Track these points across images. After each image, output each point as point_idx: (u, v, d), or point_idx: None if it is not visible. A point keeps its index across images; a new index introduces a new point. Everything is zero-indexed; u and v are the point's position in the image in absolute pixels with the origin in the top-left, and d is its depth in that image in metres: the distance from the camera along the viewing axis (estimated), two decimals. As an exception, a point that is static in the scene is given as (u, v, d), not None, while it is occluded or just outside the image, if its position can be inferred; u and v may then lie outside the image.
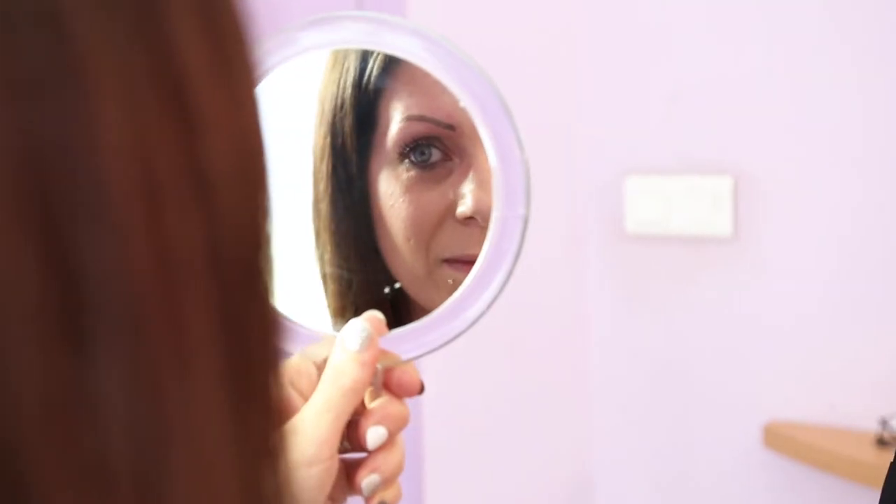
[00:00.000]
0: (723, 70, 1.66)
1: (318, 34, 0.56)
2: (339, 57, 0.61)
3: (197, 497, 0.23)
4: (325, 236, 0.62)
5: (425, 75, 0.59)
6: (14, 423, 0.21)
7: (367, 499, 0.57)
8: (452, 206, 0.61)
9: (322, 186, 0.62)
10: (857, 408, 1.57)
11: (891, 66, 1.53)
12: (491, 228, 0.57)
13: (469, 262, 0.60)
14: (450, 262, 0.62)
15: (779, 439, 1.61)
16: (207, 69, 0.24)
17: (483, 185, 0.60)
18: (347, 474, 0.58)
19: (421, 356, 0.59)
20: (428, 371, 1.62)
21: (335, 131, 0.62)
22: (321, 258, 0.62)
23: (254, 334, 0.25)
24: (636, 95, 1.73)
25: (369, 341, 0.56)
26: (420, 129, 0.61)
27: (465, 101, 0.56)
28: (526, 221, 0.56)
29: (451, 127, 0.61)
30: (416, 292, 0.62)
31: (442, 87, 0.58)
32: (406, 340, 0.58)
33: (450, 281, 0.61)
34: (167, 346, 0.22)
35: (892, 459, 0.76)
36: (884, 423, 1.51)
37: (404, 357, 0.58)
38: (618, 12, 1.74)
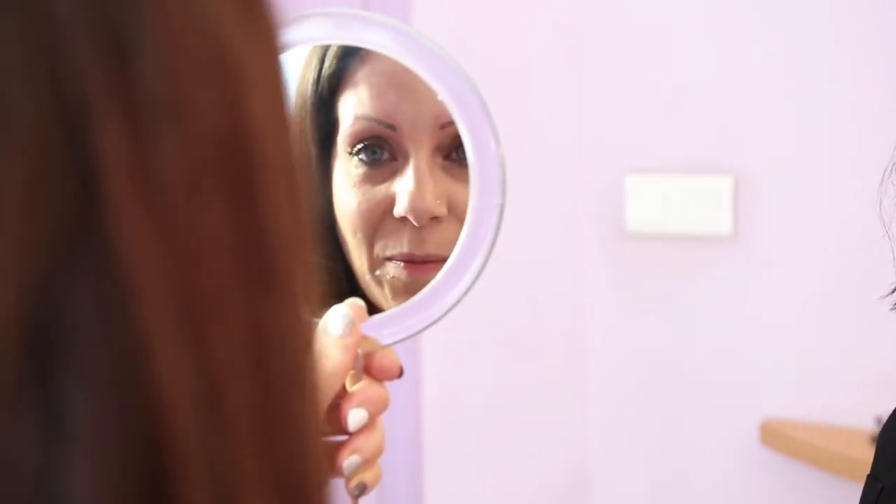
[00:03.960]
0: (723, 70, 1.67)
1: (292, 32, 0.58)
2: (309, 57, 0.63)
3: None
4: None
5: (375, 75, 0.61)
6: (217, 367, 0.25)
7: (348, 479, 0.59)
8: (392, 204, 0.63)
9: None
10: (853, 406, 1.59)
11: (889, 67, 1.55)
12: (468, 218, 0.59)
13: (408, 261, 0.62)
14: (391, 259, 0.64)
15: (775, 437, 1.63)
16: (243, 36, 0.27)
17: (419, 185, 0.62)
18: (329, 457, 0.60)
19: (400, 341, 0.60)
20: (428, 367, 1.64)
21: (301, 129, 0.64)
22: None
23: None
24: (637, 95, 1.75)
25: (351, 326, 0.58)
26: (366, 127, 0.63)
27: (443, 96, 0.58)
28: (502, 210, 0.58)
29: (391, 127, 0.63)
30: (364, 287, 0.64)
31: (388, 86, 0.61)
32: (386, 326, 0.60)
33: (391, 277, 0.63)
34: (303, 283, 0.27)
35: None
36: (879, 421, 1.52)
37: (384, 342, 0.60)
38: (620, 13, 1.75)
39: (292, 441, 0.27)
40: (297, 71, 0.63)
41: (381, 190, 0.63)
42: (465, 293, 0.59)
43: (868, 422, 1.54)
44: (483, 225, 0.59)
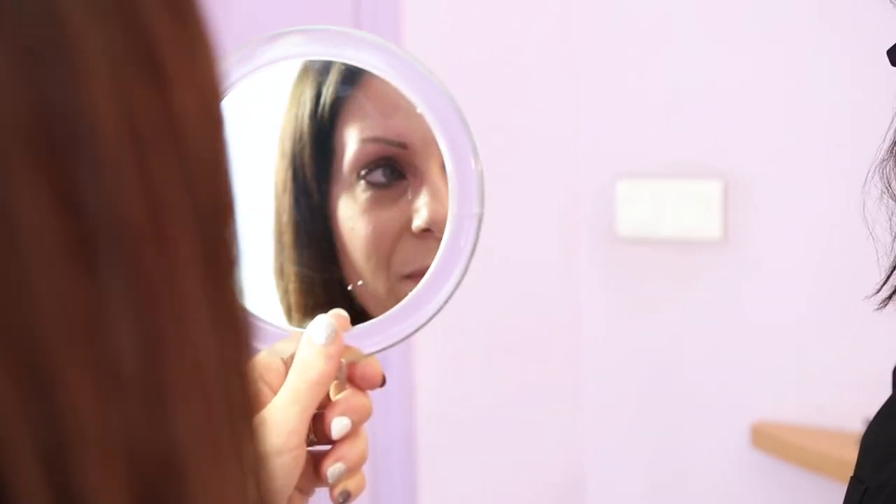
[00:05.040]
0: (714, 76, 1.68)
1: (276, 49, 0.59)
2: (297, 93, 0.63)
3: (188, 389, 0.28)
4: (289, 266, 0.65)
5: (377, 98, 0.62)
6: (43, 334, 0.25)
7: (332, 487, 0.60)
8: (409, 221, 0.64)
9: (285, 218, 0.64)
10: (844, 409, 1.59)
11: (879, 71, 1.55)
12: (448, 227, 0.60)
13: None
14: (410, 277, 0.64)
15: (766, 440, 1.63)
16: (172, 36, 0.28)
17: (437, 197, 0.63)
18: (315, 466, 0.61)
19: (382, 350, 0.61)
20: (424, 370, 1.65)
21: (296, 164, 0.64)
22: (287, 263, 0.65)
23: (226, 259, 0.30)
24: (629, 101, 1.76)
25: (335, 336, 0.59)
26: (374, 150, 0.64)
27: (423, 110, 0.59)
28: (480, 220, 0.60)
29: (402, 145, 0.63)
30: (376, 309, 0.64)
31: (393, 106, 0.61)
32: (368, 336, 0.61)
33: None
34: (158, 266, 0.27)
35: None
36: (866, 422, 1.53)
37: (367, 351, 0.61)
38: (612, 18, 1.76)
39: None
40: (286, 95, 0.64)
41: (393, 211, 0.64)
42: (446, 302, 0.60)
43: (859, 424, 1.54)
44: (463, 234, 0.60)
